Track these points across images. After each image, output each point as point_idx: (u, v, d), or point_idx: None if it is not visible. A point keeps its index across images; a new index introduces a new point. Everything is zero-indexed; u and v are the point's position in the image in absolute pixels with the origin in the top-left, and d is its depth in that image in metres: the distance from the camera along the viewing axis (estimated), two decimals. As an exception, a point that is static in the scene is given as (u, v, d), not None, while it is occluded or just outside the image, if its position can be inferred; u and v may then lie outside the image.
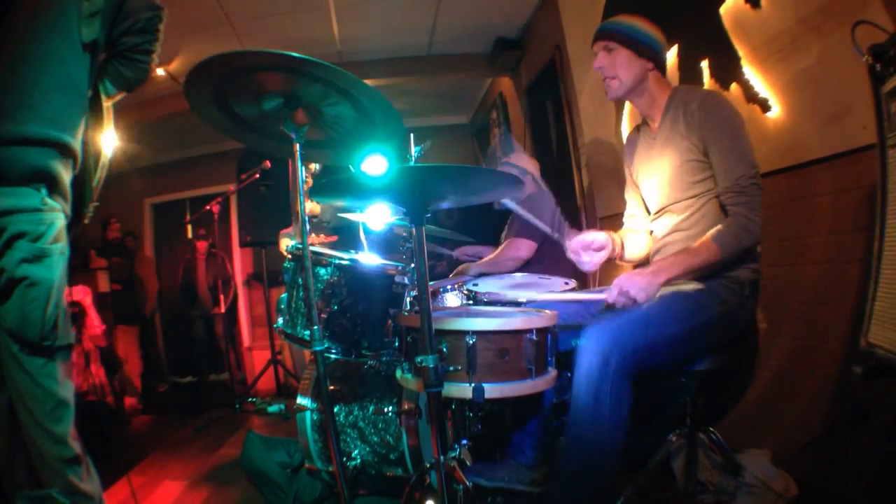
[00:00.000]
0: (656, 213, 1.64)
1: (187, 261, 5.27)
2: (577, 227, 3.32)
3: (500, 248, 2.65)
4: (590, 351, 1.29)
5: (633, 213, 1.79)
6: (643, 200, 1.73)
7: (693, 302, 1.40)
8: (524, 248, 2.51)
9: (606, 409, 1.26)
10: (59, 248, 1.23)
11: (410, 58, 4.49)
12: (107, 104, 1.45)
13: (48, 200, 1.21)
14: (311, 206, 2.96)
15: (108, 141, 1.46)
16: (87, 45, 1.29)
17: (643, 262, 1.73)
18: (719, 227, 1.39)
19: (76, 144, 1.28)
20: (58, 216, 1.24)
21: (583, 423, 1.28)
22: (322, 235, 3.13)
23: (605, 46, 1.57)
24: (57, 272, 1.21)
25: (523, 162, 2.75)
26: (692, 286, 1.45)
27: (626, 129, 2.71)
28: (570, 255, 1.61)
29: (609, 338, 1.29)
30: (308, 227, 1.57)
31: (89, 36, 1.29)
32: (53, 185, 1.23)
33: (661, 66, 1.59)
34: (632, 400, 1.30)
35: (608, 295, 1.38)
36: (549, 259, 2.52)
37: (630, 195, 1.80)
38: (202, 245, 5.23)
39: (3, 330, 1.16)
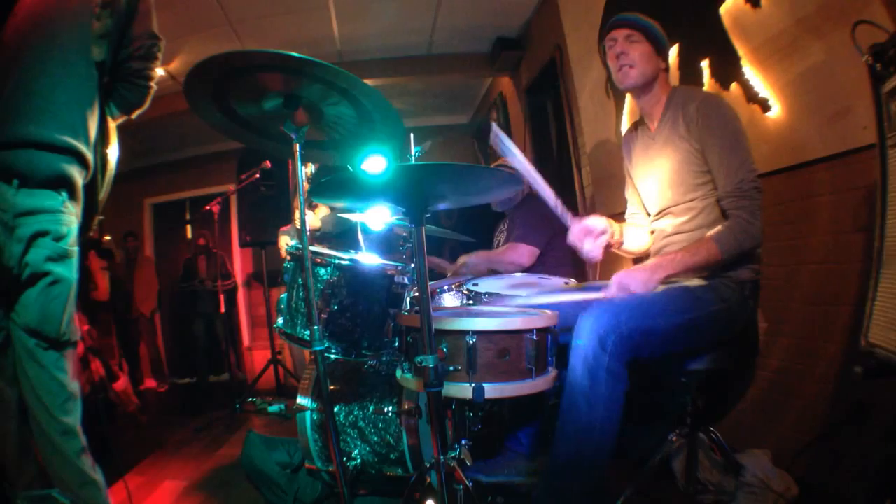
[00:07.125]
0: (657, 215, 1.64)
1: (187, 260, 5.24)
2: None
3: (501, 248, 2.64)
4: (587, 333, 1.28)
5: (634, 211, 1.79)
6: (642, 200, 1.73)
7: (693, 296, 1.41)
8: (527, 255, 2.51)
9: (602, 390, 1.25)
10: (77, 251, 1.29)
11: (410, 58, 4.49)
12: (112, 125, 1.50)
13: (68, 205, 1.27)
14: (310, 220, 2.95)
15: (114, 155, 1.51)
16: (97, 65, 1.35)
17: (642, 258, 1.73)
18: (720, 227, 1.39)
19: (90, 154, 1.34)
20: (75, 220, 1.30)
21: (578, 404, 1.27)
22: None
23: (628, 36, 1.56)
24: (76, 273, 1.28)
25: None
26: (694, 282, 1.45)
27: (625, 128, 2.71)
28: (572, 242, 1.60)
29: (607, 320, 1.28)
30: (308, 231, 1.57)
31: (99, 56, 1.35)
32: (72, 192, 1.29)
33: (667, 68, 1.62)
34: (627, 384, 1.28)
35: (607, 292, 1.38)
36: (552, 261, 2.53)
37: (630, 194, 1.80)
38: (202, 243, 5.17)
39: (18, 327, 1.22)
